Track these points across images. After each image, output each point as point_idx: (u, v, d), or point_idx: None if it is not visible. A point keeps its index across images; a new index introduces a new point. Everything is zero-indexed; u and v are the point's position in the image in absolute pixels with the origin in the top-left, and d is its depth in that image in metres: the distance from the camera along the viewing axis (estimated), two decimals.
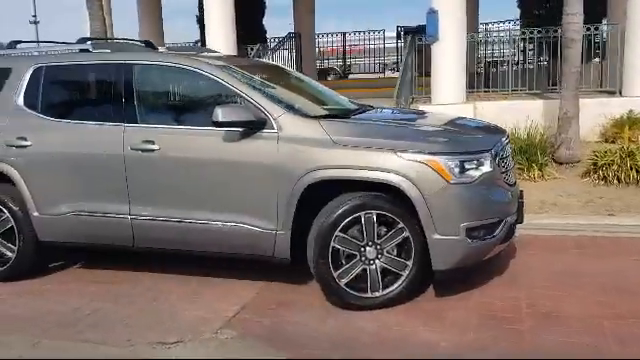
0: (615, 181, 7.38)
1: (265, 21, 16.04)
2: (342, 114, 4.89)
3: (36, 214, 4.91)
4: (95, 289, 4.88)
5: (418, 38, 10.84)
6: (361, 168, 4.09)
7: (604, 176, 7.46)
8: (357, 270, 4.16)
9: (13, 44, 5.44)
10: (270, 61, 11.78)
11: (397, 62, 17.16)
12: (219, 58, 5.22)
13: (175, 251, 4.77)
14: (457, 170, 4.03)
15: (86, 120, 4.80)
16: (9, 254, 5.05)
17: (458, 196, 4.02)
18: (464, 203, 4.04)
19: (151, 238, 4.69)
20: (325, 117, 4.53)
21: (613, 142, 8.85)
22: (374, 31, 15.25)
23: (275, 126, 4.30)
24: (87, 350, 3.82)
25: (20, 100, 5.02)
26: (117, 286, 4.91)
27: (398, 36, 14.52)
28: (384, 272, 4.17)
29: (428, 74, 10.45)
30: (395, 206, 4.10)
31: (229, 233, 4.43)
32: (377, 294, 4.17)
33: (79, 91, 5.09)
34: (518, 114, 8.97)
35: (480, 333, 3.80)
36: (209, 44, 10.76)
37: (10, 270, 5.07)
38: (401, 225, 4.10)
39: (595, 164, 7.65)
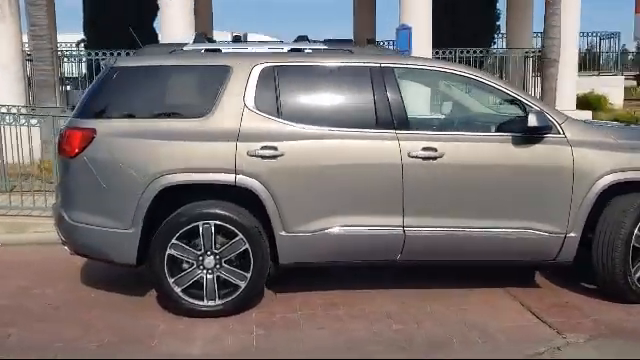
0: None
1: (156, 23, 14.88)
2: None
3: (283, 233, 4.29)
4: (342, 312, 4.44)
5: None
6: None
7: None
8: None
9: (241, 38, 4.66)
10: None
11: None
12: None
13: (441, 262, 4.60)
14: None
15: (345, 127, 4.34)
16: (239, 282, 4.30)
17: None
18: None
19: (422, 250, 4.45)
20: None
21: None
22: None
23: (561, 131, 4.45)
24: None
25: (250, 103, 4.34)
26: (358, 307, 4.51)
27: None
28: None
29: None
30: None
31: (514, 240, 4.43)
32: None
33: (328, 95, 4.49)
34: None
35: None
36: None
37: (239, 301, 4.33)
38: None
39: None
